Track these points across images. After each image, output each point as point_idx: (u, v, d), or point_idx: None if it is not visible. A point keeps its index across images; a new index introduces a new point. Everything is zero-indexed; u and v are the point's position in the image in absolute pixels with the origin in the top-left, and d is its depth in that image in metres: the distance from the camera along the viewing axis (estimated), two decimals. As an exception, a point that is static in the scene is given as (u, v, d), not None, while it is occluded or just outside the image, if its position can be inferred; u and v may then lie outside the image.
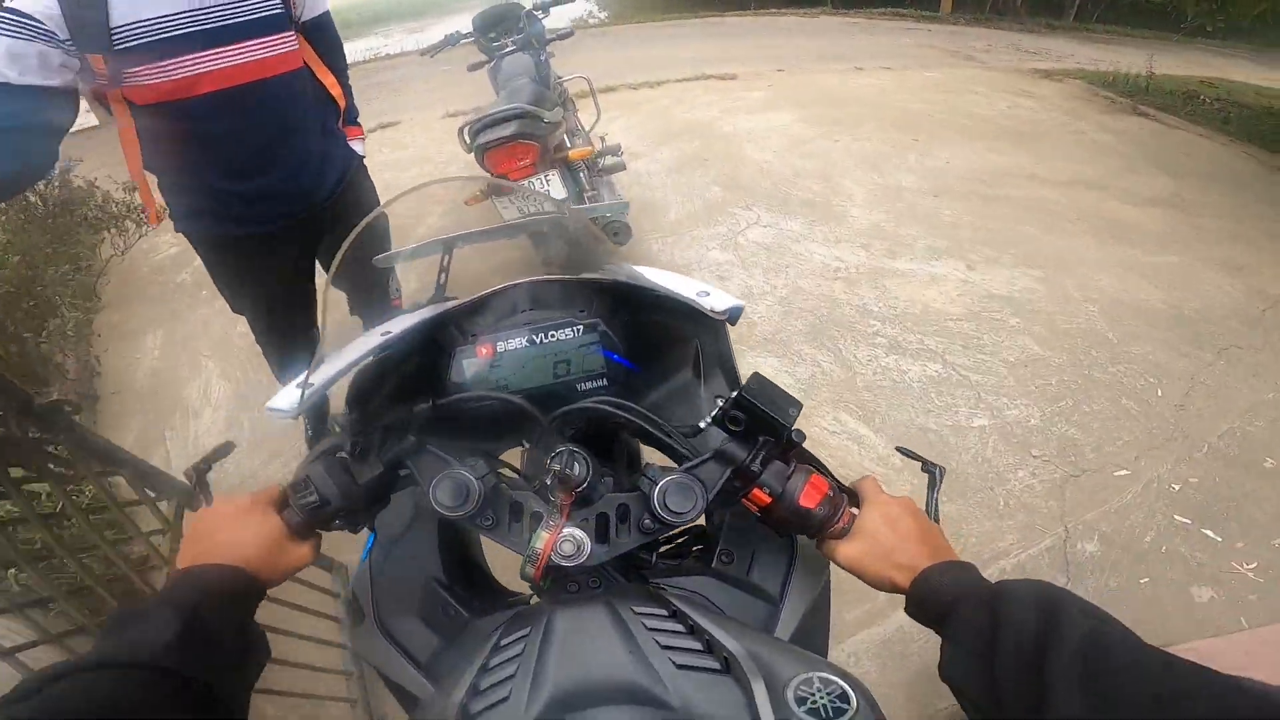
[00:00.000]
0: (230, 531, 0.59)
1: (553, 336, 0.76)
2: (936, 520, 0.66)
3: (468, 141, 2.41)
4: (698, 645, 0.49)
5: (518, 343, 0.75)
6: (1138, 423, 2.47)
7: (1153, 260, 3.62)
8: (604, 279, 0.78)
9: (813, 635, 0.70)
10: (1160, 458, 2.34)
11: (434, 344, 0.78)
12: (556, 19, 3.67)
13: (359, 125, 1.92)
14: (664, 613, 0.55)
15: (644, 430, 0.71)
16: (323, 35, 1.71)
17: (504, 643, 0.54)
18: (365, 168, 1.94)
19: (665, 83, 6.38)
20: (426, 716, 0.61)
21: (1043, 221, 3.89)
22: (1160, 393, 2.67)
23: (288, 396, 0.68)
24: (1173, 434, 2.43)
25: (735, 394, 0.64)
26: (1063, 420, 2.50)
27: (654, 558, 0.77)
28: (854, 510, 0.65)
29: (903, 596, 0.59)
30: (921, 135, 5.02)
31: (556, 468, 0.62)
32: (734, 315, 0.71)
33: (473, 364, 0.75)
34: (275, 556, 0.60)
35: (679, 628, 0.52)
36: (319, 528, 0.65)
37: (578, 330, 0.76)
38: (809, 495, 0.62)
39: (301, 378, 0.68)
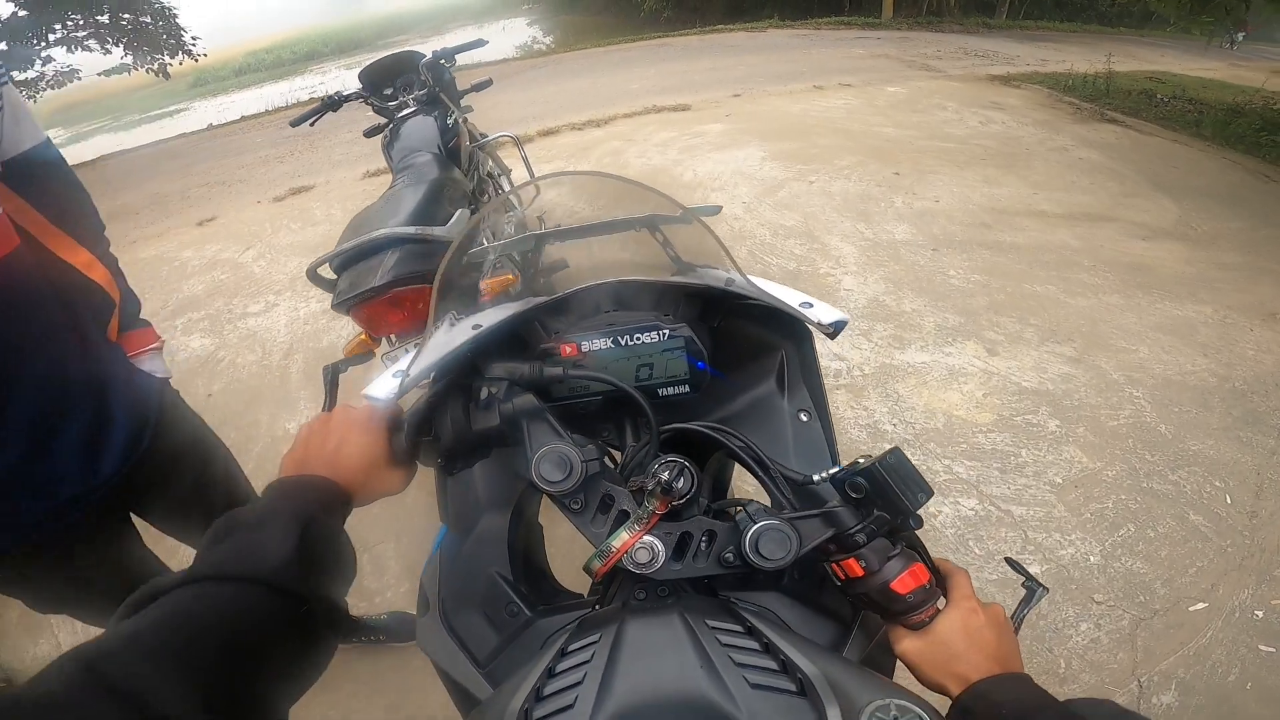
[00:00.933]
0: (341, 445, 0.59)
1: (638, 339, 0.72)
2: (1017, 630, 0.62)
3: (326, 285, 1.59)
4: (773, 665, 0.48)
5: (602, 343, 0.72)
6: (1209, 542, 2.04)
7: (1186, 314, 3.07)
8: (700, 284, 0.74)
9: (881, 660, 0.64)
10: (1239, 582, 1.96)
11: (519, 340, 0.76)
12: (499, 47, 2.87)
13: (149, 327, 1.14)
14: (739, 629, 0.53)
15: (753, 470, 0.65)
16: (48, 183, 0.98)
17: (572, 648, 0.52)
18: (175, 394, 1.18)
19: (614, 119, 5.67)
20: (485, 718, 0.54)
21: (1058, 274, 3.29)
22: (1229, 499, 2.18)
23: (385, 385, 0.68)
24: (1249, 550, 2.02)
25: (868, 464, 0.59)
26: (1125, 553, 2.01)
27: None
28: (939, 606, 0.58)
29: None
30: (903, 167, 4.41)
31: (664, 476, 0.59)
32: (839, 329, 0.70)
33: (556, 362, 0.70)
34: (373, 478, 0.60)
35: (754, 645, 0.50)
36: (420, 460, 0.64)
37: (663, 334, 0.72)
38: (904, 581, 0.56)
39: (401, 364, 0.68)
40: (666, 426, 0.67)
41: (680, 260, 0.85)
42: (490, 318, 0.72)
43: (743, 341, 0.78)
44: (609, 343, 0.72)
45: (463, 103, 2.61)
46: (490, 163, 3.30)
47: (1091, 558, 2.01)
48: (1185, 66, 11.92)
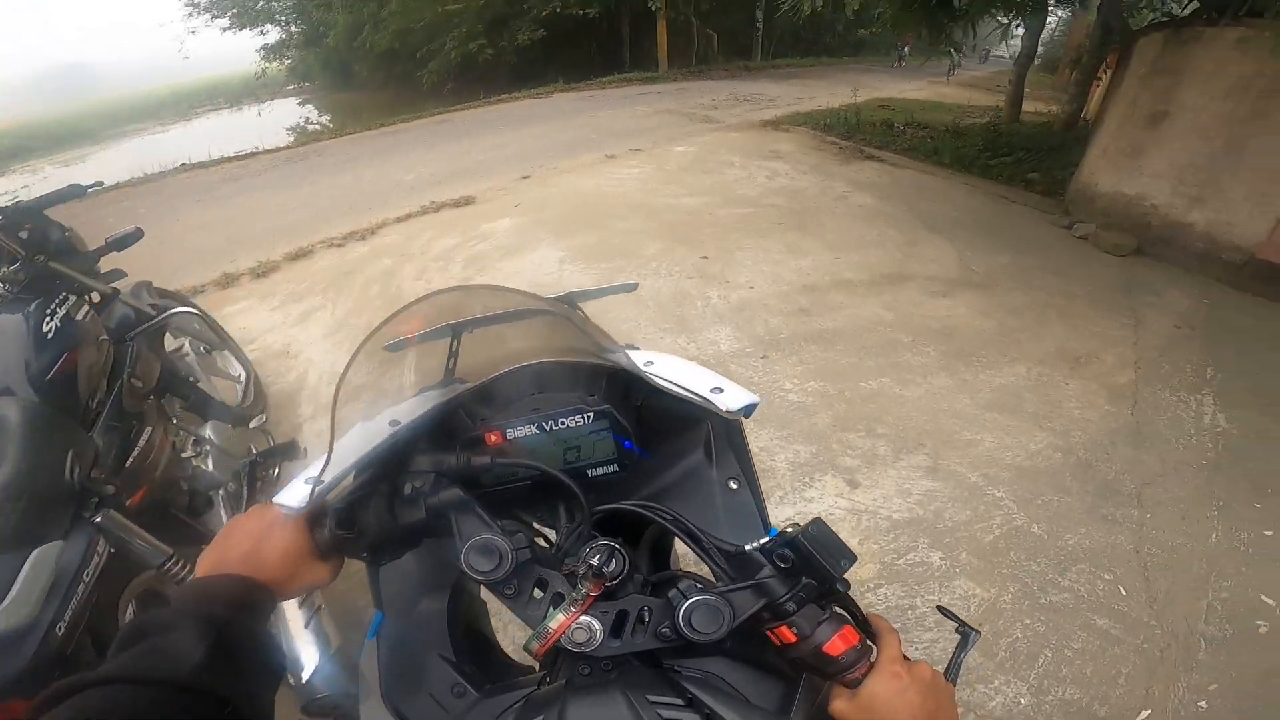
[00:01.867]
0: (260, 541, 0.57)
1: (562, 423, 0.70)
2: (955, 679, 0.62)
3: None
4: None
5: (527, 429, 0.70)
6: (1124, 644, 1.90)
7: (1007, 382, 3.01)
8: (616, 366, 0.72)
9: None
10: (1170, 677, 1.85)
11: (443, 431, 0.73)
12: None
13: None
14: (680, 702, 0.54)
15: (686, 541, 0.64)
16: None
17: None
18: None
19: (383, 226, 4.77)
20: None
21: (886, 360, 3.10)
22: (1123, 590, 2.04)
23: (297, 492, 0.65)
24: (1163, 639, 1.92)
25: (793, 535, 0.59)
26: (1053, 682, 1.80)
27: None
28: (873, 661, 0.57)
29: None
30: (709, 247, 4.09)
31: (595, 561, 0.58)
32: (748, 412, 0.69)
33: (480, 452, 0.69)
34: (297, 573, 0.58)
35: (695, 717, 0.52)
36: (346, 554, 0.62)
37: (588, 417, 0.71)
38: (835, 644, 0.56)
39: (312, 472, 0.64)
40: (599, 508, 0.66)
41: (601, 342, 0.80)
42: (409, 412, 0.71)
43: (667, 416, 0.76)
44: (534, 429, 0.71)
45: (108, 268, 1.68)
46: (186, 346, 2.33)
47: (1022, 700, 1.79)
48: (900, 89, 13.76)
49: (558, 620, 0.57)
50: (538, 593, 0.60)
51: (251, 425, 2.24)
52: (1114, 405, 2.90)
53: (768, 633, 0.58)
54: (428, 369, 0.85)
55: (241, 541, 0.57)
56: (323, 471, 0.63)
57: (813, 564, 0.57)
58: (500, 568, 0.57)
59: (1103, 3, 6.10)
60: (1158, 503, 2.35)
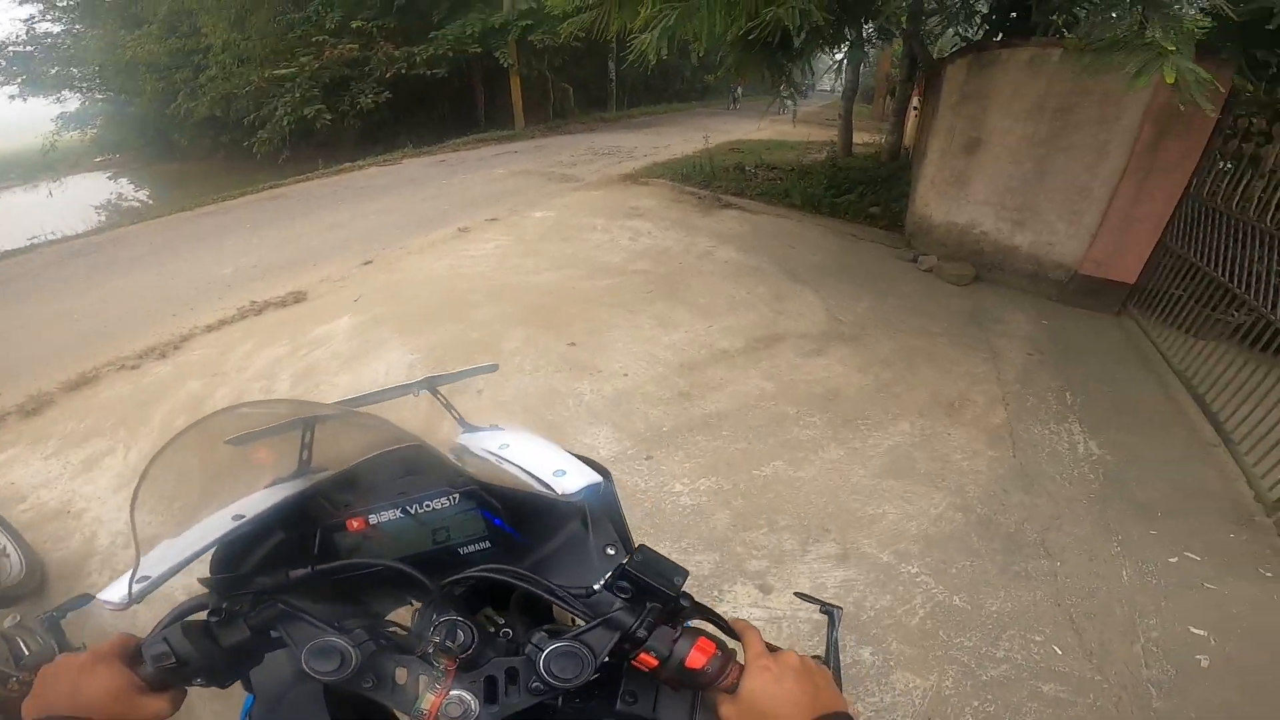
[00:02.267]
0: (79, 685, 0.54)
1: (428, 506, 0.72)
2: (835, 661, 0.65)
3: None
4: None
5: (390, 514, 0.71)
6: (1076, 705, 1.81)
7: (894, 443, 2.92)
8: (448, 464, 0.72)
9: None
10: None
11: (304, 519, 0.73)
12: None
13: None
14: None
15: (545, 599, 0.64)
16: None
17: None
18: None
19: (192, 336, 3.95)
20: None
21: (775, 439, 2.89)
22: (1058, 650, 1.96)
23: (119, 589, 0.61)
24: (1111, 692, 1.84)
25: (619, 567, 0.62)
26: None
27: (559, 700, 0.66)
28: (742, 663, 0.60)
29: None
30: (577, 331, 3.74)
31: (438, 639, 0.59)
32: (590, 495, 0.69)
33: (344, 537, 0.71)
34: (128, 710, 0.54)
35: None
36: (179, 684, 0.58)
37: (453, 498, 0.72)
38: (695, 658, 0.58)
39: (146, 570, 0.61)
40: (446, 580, 0.65)
41: (463, 421, 0.88)
42: (255, 505, 0.69)
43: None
44: (398, 513, 0.71)
45: None
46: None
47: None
48: (746, 131, 14.62)
49: (428, 700, 0.57)
50: (400, 686, 0.59)
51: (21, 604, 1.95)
52: (996, 450, 2.90)
53: (634, 663, 0.59)
54: (280, 463, 0.79)
55: (60, 686, 0.53)
56: (139, 569, 0.60)
57: (649, 588, 0.60)
58: (345, 667, 0.55)
59: (906, 33, 6.62)
60: (1063, 548, 2.32)
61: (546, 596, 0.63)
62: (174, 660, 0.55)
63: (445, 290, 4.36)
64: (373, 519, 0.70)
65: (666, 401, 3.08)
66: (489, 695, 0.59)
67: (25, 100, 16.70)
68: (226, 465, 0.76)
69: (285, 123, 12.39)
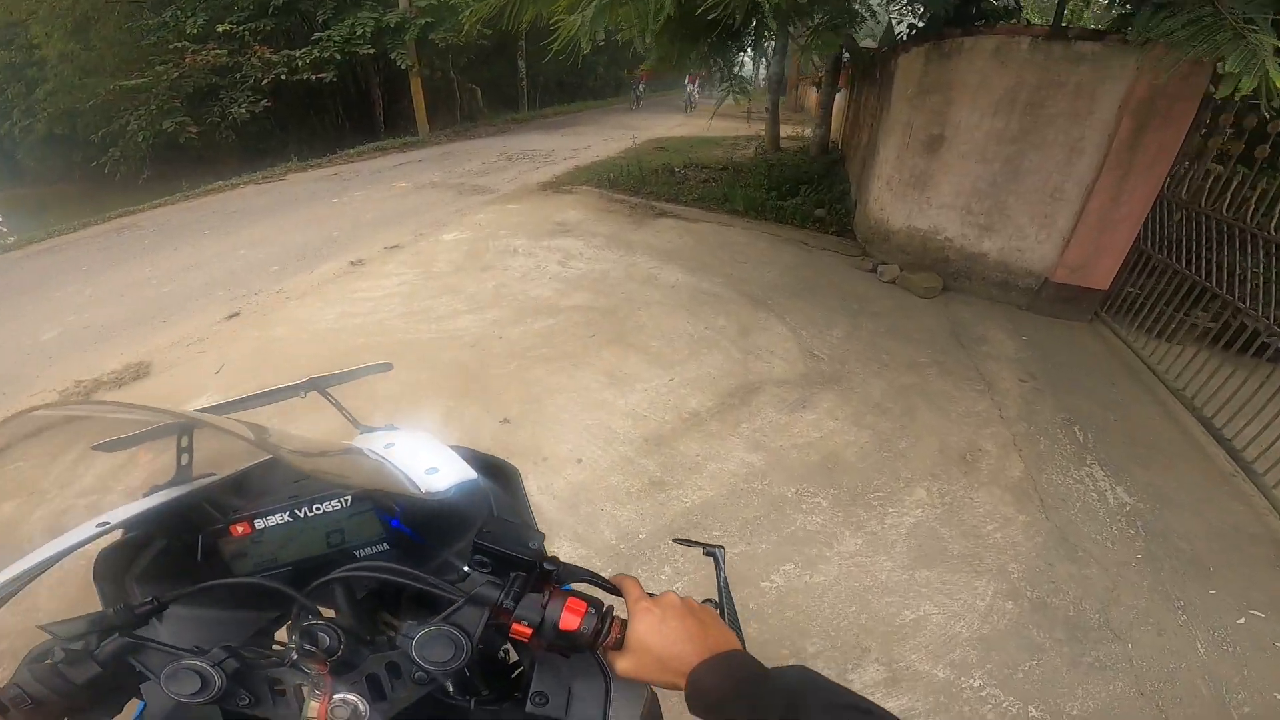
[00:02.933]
0: None
1: (317, 509, 0.67)
2: (728, 600, 0.65)
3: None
4: None
5: (278, 518, 0.67)
6: None
7: (918, 519, 2.36)
8: (350, 458, 0.72)
9: None
10: None
11: (186, 524, 0.70)
12: None
13: None
14: None
15: (414, 588, 0.63)
16: None
17: None
18: None
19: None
20: None
21: (781, 535, 2.24)
22: None
23: None
24: None
25: (475, 541, 0.61)
26: None
27: (471, 703, 0.67)
28: (624, 618, 0.60)
29: None
30: (510, 400, 2.93)
31: (296, 645, 0.57)
32: (461, 490, 0.65)
33: (228, 543, 0.67)
34: None
35: None
36: None
37: (345, 500, 0.68)
38: (567, 619, 0.58)
39: None
40: (310, 585, 0.62)
41: (357, 422, 0.84)
42: (125, 511, 0.65)
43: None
44: (286, 516, 0.67)
45: None
46: None
47: None
48: (667, 127, 14.07)
49: (313, 708, 0.55)
50: (282, 699, 0.57)
51: None
52: (1026, 513, 2.41)
53: (512, 636, 0.58)
54: (159, 466, 0.73)
55: None
56: None
57: (506, 558, 0.59)
58: (208, 688, 0.53)
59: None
60: (1129, 625, 1.99)
61: (415, 585, 0.62)
62: (30, 702, 0.52)
63: (334, 349, 3.41)
64: (258, 523, 0.66)
65: (637, 496, 2.35)
66: (375, 694, 0.57)
67: None
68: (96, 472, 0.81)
69: (141, 138, 10.56)
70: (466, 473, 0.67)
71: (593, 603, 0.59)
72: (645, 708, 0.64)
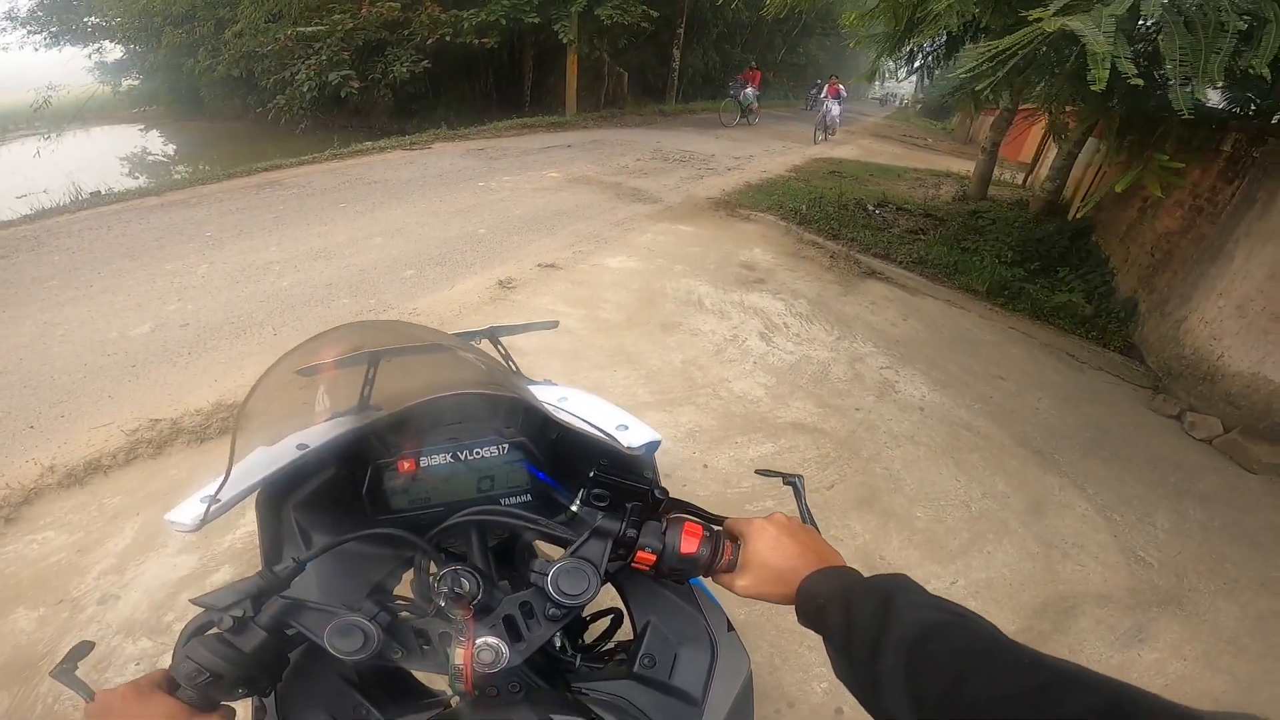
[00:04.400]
0: (130, 717, 0.50)
1: (477, 453, 0.70)
2: (812, 524, 0.64)
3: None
4: None
5: (441, 458, 0.70)
6: None
7: None
8: (525, 400, 0.69)
9: None
10: None
11: (356, 456, 0.72)
12: None
13: None
14: (580, 719, 0.53)
15: (528, 529, 0.65)
16: None
17: None
18: None
19: (29, 509, 2.04)
20: None
21: None
22: None
23: (190, 510, 0.61)
24: None
25: (592, 473, 0.64)
26: None
27: (578, 661, 0.69)
28: (735, 543, 0.61)
29: None
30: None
31: (444, 589, 0.58)
32: (649, 450, 0.69)
33: (393, 477, 0.70)
34: None
35: None
36: (222, 699, 0.54)
37: (503, 448, 0.71)
38: (688, 542, 0.59)
39: (209, 490, 0.61)
40: (435, 530, 0.64)
41: (520, 374, 0.84)
42: (319, 436, 0.68)
43: (584, 451, 0.72)
44: (448, 457, 0.69)
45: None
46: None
47: None
48: (828, 145, 12.44)
49: (458, 655, 0.55)
50: (429, 648, 0.58)
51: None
52: None
53: (635, 565, 0.59)
54: (342, 397, 0.75)
55: None
56: (219, 490, 0.61)
57: (623, 489, 0.63)
58: (369, 643, 0.54)
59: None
60: None
61: (530, 528, 0.63)
62: (207, 675, 0.51)
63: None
64: (423, 461, 0.69)
65: None
66: (512, 635, 0.58)
67: (60, 50, 15.06)
68: (292, 396, 0.69)
69: (306, 89, 10.37)
70: (653, 432, 0.69)
71: (707, 529, 0.61)
72: (743, 690, 0.63)
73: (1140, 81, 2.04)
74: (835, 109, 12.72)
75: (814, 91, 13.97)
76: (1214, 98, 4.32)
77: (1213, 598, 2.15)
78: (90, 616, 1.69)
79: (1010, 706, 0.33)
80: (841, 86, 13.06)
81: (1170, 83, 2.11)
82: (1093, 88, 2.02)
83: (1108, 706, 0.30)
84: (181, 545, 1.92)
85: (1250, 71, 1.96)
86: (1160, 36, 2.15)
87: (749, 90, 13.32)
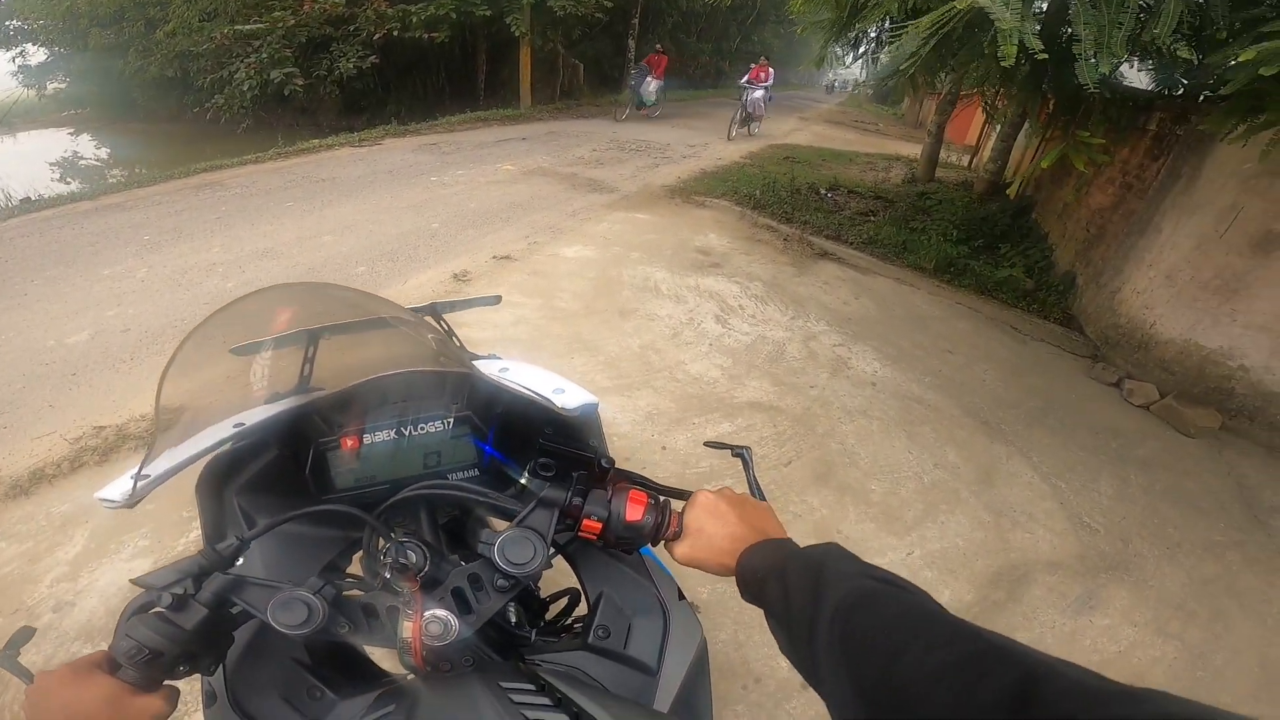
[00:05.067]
0: (68, 700, 0.48)
1: (421, 429, 0.70)
2: (760, 496, 0.65)
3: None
4: (564, 718, 0.48)
5: (385, 435, 0.69)
6: None
7: None
8: (468, 373, 0.70)
9: (694, 705, 0.63)
10: None
11: (298, 436, 0.70)
12: None
13: None
14: (531, 687, 0.52)
15: (474, 503, 0.65)
16: None
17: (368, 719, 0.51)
18: None
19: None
20: None
21: None
22: None
23: (120, 486, 0.60)
24: None
25: (538, 444, 0.64)
26: None
27: (532, 635, 0.69)
28: (680, 513, 0.61)
29: None
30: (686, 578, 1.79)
31: (390, 560, 0.57)
32: (586, 412, 0.68)
33: (337, 456, 0.68)
34: (125, 716, 0.49)
35: (546, 701, 0.50)
36: (165, 678, 0.52)
37: (448, 423, 0.70)
38: (633, 510, 0.59)
39: (136, 468, 0.60)
40: (382, 506, 0.62)
41: (462, 350, 0.83)
42: (256, 415, 0.66)
43: (527, 424, 0.72)
44: (392, 434, 0.68)
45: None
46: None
47: None
48: (781, 129, 12.57)
49: (406, 628, 0.55)
50: (376, 621, 0.57)
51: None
52: None
53: (581, 535, 0.59)
54: (280, 376, 0.73)
55: (53, 704, 0.48)
56: (144, 466, 0.59)
57: (569, 458, 0.63)
58: (313, 617, 0.52)
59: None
60: None
61: (478, 500, 0.62)
62: (147, 653, 0.50)
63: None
64: (367, 438, 0.67)
65: None
66: (462, 608, 0.57)
67: None
68: (227, 375, 0.68)
69: (246, 87, 9.93)
70: (588, 395, 0.68)
71: (652, 497, 0.61)
72: (697, 659, 0.64)
73: (1045, 56, 2.11)
74: (760, 96, 10.17)
75: (742, 81, 10.60)
76: (1143, 80, 4.52)
77: (1158, 562, 2.23)
78: (47, 624, 1.62)
79: (937, 683, 0.33)
80: (771, 69, 10.46)
81: (1078, 58, 2.19)
82: (1002, 64, 2.10)
83: (1026, 679, 0.31)
84: (135, 550, 1.85)
85: (1155, 44, 2.06)
86: (1069, 12, 2.23)
87: (651, 82, 10.88)
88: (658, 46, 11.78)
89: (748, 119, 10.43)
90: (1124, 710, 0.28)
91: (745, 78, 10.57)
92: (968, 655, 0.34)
